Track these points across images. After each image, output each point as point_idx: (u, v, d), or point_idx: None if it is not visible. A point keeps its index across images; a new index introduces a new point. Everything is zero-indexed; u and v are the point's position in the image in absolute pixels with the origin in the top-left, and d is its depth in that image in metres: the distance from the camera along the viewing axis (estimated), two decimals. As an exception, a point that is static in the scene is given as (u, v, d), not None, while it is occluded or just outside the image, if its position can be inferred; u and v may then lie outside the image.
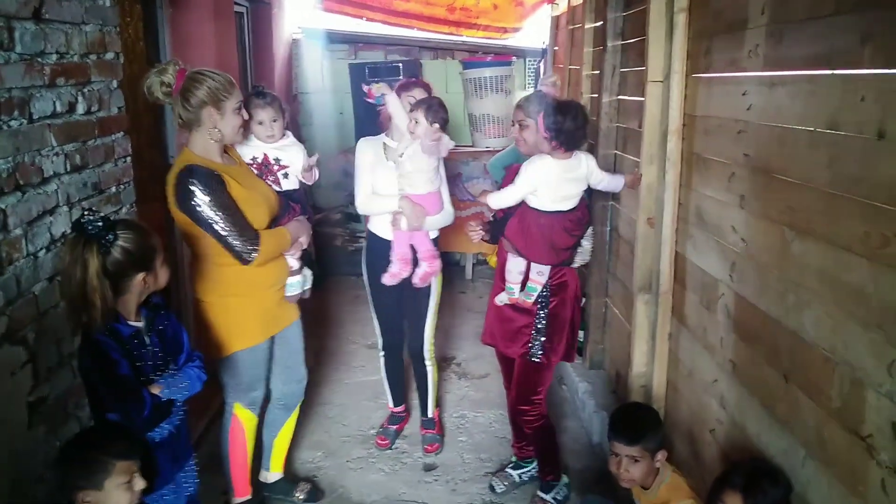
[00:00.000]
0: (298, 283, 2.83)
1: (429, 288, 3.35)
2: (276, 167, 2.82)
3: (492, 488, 3.24)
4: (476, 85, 5.94)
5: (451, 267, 6.50)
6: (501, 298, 2.97)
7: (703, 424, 2.60)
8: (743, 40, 2.23)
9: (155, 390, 2.02)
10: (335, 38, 6.46)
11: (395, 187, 3.13)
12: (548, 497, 3.11)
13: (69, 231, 2.33)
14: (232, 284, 2.61)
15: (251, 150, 2.81)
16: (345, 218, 6.49)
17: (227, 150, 2.65)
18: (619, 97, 3.71)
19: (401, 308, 3.45)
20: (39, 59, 2.16)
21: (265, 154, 2.82)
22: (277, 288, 2.76)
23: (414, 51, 6.52)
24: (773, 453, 2.07)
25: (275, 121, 2.78)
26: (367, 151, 3.21)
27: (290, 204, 2.82)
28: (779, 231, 2.01)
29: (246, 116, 2.60)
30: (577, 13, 4.88)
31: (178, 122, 2.52)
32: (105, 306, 1.88)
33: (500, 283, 3.02)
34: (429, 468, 3.44)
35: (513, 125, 2.99)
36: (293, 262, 2.77)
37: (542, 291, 2.88)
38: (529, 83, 6.52)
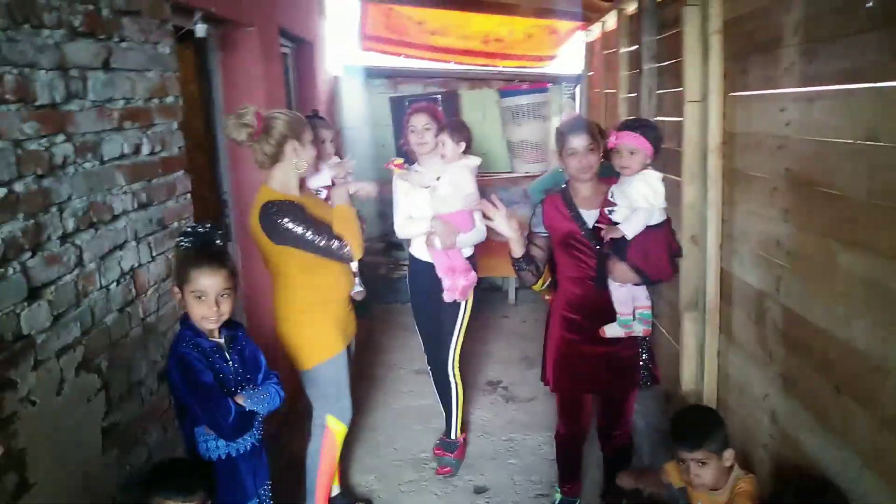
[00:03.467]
0: (359, 282, 3.02)
1: (457, 305, 3.45)
2: None
3: None
4: (513, 112, 6.06)
5: (493, 292, 6.55)
6: (615, 331, 2.72)
7: (756, 441, 2.59)
8: (779, 58, 2.27)
9: (238, 400, 2.17)
10: (375, 74, 6.66)
11: (429, 210, 3.30)
12: None
13: (137, 265, 2.48)
14: (309, 301, 2.80)
15: (319, 181, 3.08)
16: (388, 247, 6.61)
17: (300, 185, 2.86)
18: (657, 118, 3.76)
19: (438, 324, 3.56)
20: (108, 105, 2.31)
21: (332, 180, 3.10)
22: (347, 298, 2.94)
23: (452, 82, 6.68)
24: (829, 466, 2.07)
25: (323, 142, 3.04)
26: (399, 181, 3.43)
27: None
28: (824, 243, 2.04)
29: (316, 150, 2.83)
30: (611, 39, 4.96)
31: (260, 161, 2.70)
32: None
33: (568, 314, 2.83)
34: (480, 490, 3.47)
35: (571, 154, 2.72)
36: (355, 265, 2.98)
37: None
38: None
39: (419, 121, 3.33)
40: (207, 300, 2.14)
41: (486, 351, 5.22)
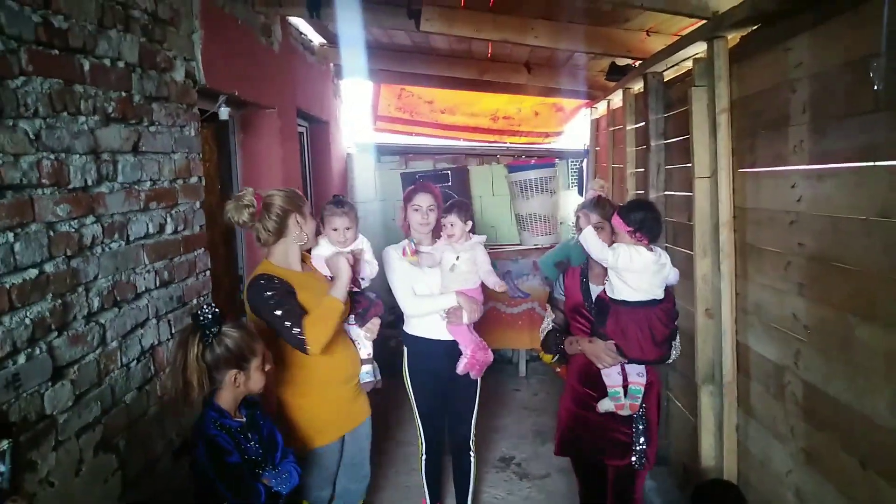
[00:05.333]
0: (370, 371, 2.92)
1: (474, 380, 3.39)
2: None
3: None
4: (522, 187, 6.17)
5: (504, 364, 6.51)
6: (606, 406, 2.81)
7: (781, 518, 2.54)
8: (787, 137, 2.34)
9: (264, 482, 2.13)
10: (386, 151, 6.82)
11: (436, 287, 3.26)
12: None
13: (157, 342, 2.50)
14: (306, 384, 2.70)
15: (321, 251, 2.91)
16: (396, 320, 6.60)
17: (303, 259, 2.81)
18: (667, 193, 3.83)
19: (443, 406, 3.48)
20: (136, 187, 2.39)
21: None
22: (351, 384, 2.85)
23: (461, 158, 6.83)
24: (859, 545, 2.02)
25: (348, 228, 2.90)
26: (396, 259, 3.30)
27: (372, 299, 2.99)
28: (841, 317, 2.05)
29: (315, 223, 2.77)
30: (617, 116, 5.10)
31: (263, 238, 2.65)
32: (201, 390, 2.07)
33: (578, 387, 2.93)
34: (498, 573, 3.37)
35: (579, 228, 2.91)
36: (365, 349, 2.90)
37: None
38: (573, 183, 6.72)
39: (424, 201, 3.28)
40: (265, 365, 2.21)
41: (498, 426, 5.15)
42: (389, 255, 3.33)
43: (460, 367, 3.26)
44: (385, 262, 3.33)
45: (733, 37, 2.75)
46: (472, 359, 3.24)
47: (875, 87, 1.77)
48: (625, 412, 2.78)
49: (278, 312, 2.51)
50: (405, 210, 3.36)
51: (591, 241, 2.75)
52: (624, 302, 2.73)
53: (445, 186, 6.45)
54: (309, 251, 2.85)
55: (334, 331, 2.58)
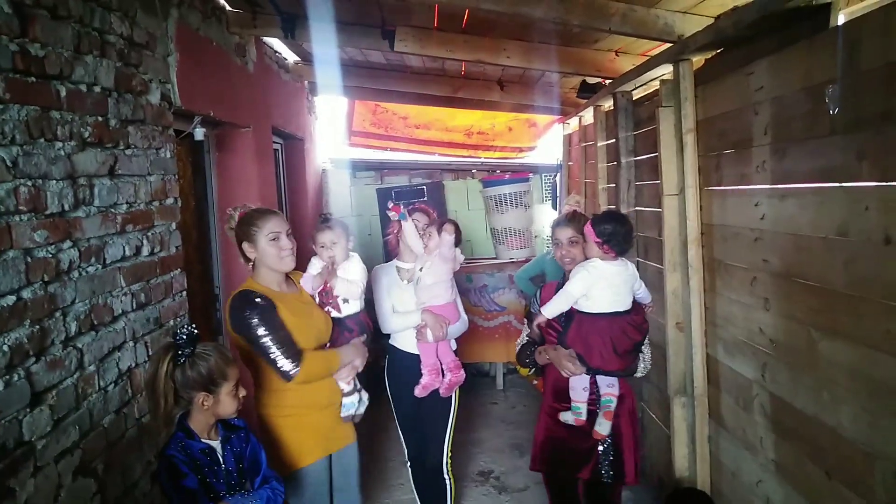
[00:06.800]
0: (353, 403, 2.89)
1: (448, 399, 3.39)
2: (331, 297, 2.93)
3: None
4: (496, 201, 6.24)
5: (481, 378, 6.54)
6: (566, 417, 2.85)
7: (753, 527, 2.60)
8: (750, 157, 2.42)
9: None
10: (361, 167, 6.86)
11: (413, 304, 3.28)
12: None
13: (134, 364, 2.50)
14: (288, 405, 2.68)
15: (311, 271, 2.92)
16: (376, 335, 6.60)
17: (290, 277, 2.80)
18: (637, 208, 3.91)
19: (423, 419, 3.48)
20: (113, 210, 2.39)
21: (325, 283, 2.91)
22: (333, 407, 2.83)
23: (436, 173, 6.88)
24: (826, 553, 2.08)
25: (334, 243, 2.89)
26: (382, 276, 3.39)
27: (344, 331, 2.93)
28: (805, 331, 2.12)
29: (287, 245, 2.67)
30: (589, 132, 5.19)
31: (244, 259, 2.70)
32: (166, 408, 2.06)
33: (552, 402, 2.97)
34: (477, 588, 3.39)
35: (555, 245, 3.01)
36: (343, 385, 2.84)
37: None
38: (547, 197, 6.81)
39: (418, 220, 3.30)
40: (238, 390, 2.19)
41: (476, 439, 5.18)
42: (377, 274, 3.39)
43: (417, 390, 3.26)
44: (373, 279, 3.36)
45: (698, 60, 2.84)
46: (422, 387, 3.24)
47: (831, 112, 1.85)
48: (603, 429, 2.79)
49: (263, 334, 2.51)
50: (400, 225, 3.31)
51: (555, 308, 2.82)
52: (586, 312, 2.78)
53: (421, 201, 6.50)
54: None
55: (324, 377, 2.74)
